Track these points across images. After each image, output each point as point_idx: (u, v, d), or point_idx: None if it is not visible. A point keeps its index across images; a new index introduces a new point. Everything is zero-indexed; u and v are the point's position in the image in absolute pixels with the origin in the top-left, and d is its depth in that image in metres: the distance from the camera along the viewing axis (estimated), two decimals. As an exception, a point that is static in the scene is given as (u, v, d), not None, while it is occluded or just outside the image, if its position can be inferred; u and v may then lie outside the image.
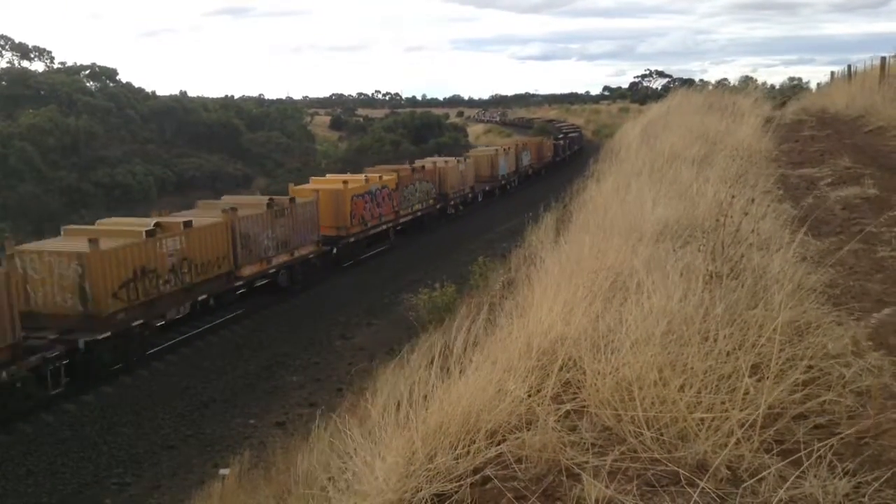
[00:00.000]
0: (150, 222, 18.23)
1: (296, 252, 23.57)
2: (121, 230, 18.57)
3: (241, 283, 21.24)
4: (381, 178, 30.01)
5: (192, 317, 19.93)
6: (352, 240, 27.23)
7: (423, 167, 34.32)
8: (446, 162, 37.20)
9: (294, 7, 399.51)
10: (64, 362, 15.55)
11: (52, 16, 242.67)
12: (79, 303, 16.47)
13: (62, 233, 18.98)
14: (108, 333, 16.48)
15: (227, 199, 24.25)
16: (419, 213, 32.94)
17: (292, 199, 24.18)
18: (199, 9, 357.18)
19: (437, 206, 34.69)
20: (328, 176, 32.18)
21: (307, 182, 29.31)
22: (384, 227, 29.64)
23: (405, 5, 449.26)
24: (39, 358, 14.98)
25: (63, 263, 16.49)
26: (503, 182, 41.72)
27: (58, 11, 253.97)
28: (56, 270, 16.52)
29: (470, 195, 38.28)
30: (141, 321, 17.52)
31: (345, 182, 27.93)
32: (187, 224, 19.34)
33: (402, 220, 31.33)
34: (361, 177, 29.80)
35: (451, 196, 36.06)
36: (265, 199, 23.78)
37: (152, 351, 18.31)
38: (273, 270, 22.57)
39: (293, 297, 23.91)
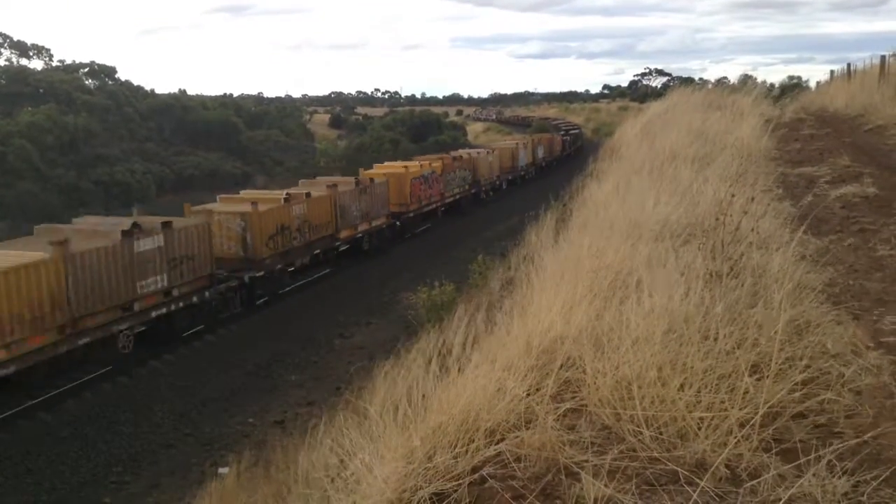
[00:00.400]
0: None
1: (373, 222, 28.84)
2: (263, 197, 24.17)
3: (339, 242, 26.72)
4: (430, 164, 34.64)
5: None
6: (411, 215, 31.97)
7: (462, 156, 38.94)
8: (478, 153, 41.59)
9: (293, 5, 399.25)
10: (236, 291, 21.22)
11: (51, 14, 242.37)
12: (241, 249, 21.90)
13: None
14: (262, 273, 22.07)
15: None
16: (458, 197, 37.12)
17: (371, 180, 29.28)
18: (198, 7, 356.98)
19: (472, 192, 38.82)
20: (386, 163, 35.81)
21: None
22: (433, 206, 34.40)
23: (404, 4, 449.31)
24: (225, 286, 20.57)
25: (231, 220, 21.79)
26: (522, 172, 46.05)
27: (56, 9, 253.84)
28: (225, 225, 21.66)
29: (497, 182, 42.32)
30: (280, 265, 23.21)
31: (405, 167, 32.65)
32: (308, 195, 24.81)
33: (446, 202, 35.73)
34: (416, 163, 34.26)
35: (483, 183, 39.94)
36: (350, 179, 28.71)
37: (283, 291, 23.72)
38: (359, 235, 27.97)
39: (292, 297, 23.94)
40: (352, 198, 27.02)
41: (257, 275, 21.83)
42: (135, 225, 17.69)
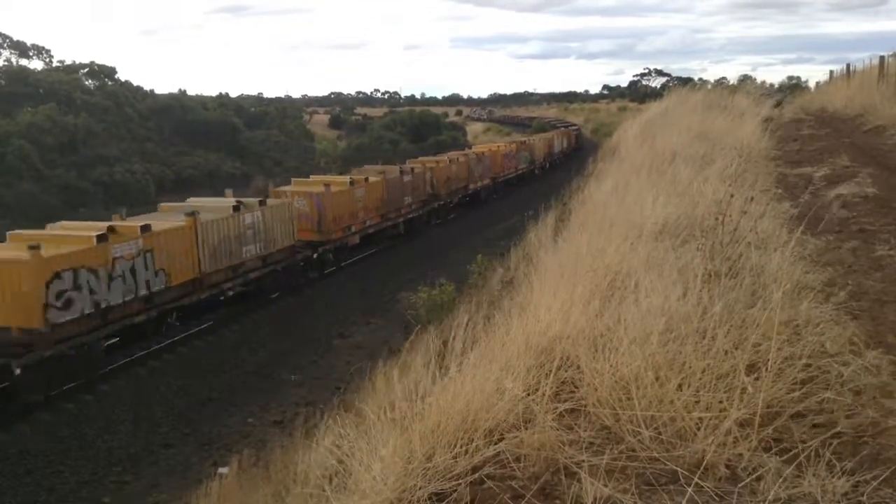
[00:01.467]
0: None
1: (479, 183, 40.23)
2: (333, 181, 27.78)
3: (389, 223, 30.35)
4: (508, 145, 48.39)
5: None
6: (500, 180, 44.20)
7: (524, 142, 52.59)
8: (533, 140, 55.22)
9: (293, 5, 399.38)
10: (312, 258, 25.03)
11: (51, 14, 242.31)
12: (316, 227, 25.28)
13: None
14: (331, 246, 25.77)
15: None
16: (523, 171, 48.64)
17: (482, 153, 42.08)
18: (199, 7, 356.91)
19: (530, 168, 50.56)
20: (480, 146, 49.66)
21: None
22: (511, 176, 46.14)
23: (404, 3, 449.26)
24: (303, 256, 24.34)
25: (305, 201, 25.19)
26: (556, 157, 58.37)
27: (56, 10, 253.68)
28: (299, 205, 24.77)
29: (543, 162, 53.95)
30: (346, 241, 26.96)
31: (498, 147, 46.75)
32: (366, 180, 28.70)
33: (518, 173, 47.76)
34: (502, 144, 49.02)
35: (536, 162, 52.03)
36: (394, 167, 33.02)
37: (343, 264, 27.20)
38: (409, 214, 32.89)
39: (291, 297, 23.94)
40: (398, 185, 31.27)
41: (327, 247, 25.87)
42: (238, 202, 21.62)
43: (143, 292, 17.46)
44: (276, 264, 22.64)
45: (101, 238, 16.51)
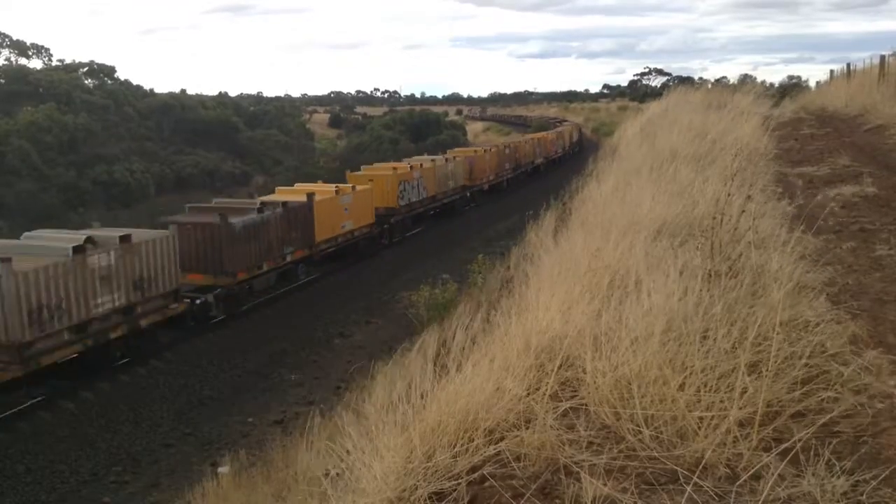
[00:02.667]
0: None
1: (531, 164, 49.98)
2: (397, 165, 33.27)
3: (468, 192, 38.32)
4: (547, 135, 59.08)
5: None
6: (550, 158, 54.74)
7: (560, 132, 63.33)
8: (563, 129, 65.98)
9: (293, 5, 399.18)
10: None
11: (51, 13, 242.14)
12: (396, 201, 30.77)
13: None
14: (402, 217, 31.47)
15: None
16: (559, 155, 58.15)
17: (508, 144, 48.86)
18: (198, 7, 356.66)
19: (564, 153, 59.95)
20: (530, 135, 61.41)
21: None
22: (554, 157, 56.19)
23: (405, 3, 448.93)
24: (379, 228, 29.38)
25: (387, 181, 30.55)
26: (569, 148, 64.44)
27: (56, 9, 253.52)
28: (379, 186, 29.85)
29: (559, 152, 60.01)
30: (408, 216, 32.22)
31: (546, 135, 58.66)
32: (449, 159, 37.29)
33: (557, 155, 57.34)
34: (546, 133, 60.56)
35: (567, 149, 61.47)
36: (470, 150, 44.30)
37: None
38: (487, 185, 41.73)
39: (291, 296, 23.93)
40: (482, 160, 40.64)
41: (399, 218, 30.94)
42: (337, 188, 26.77)
43: None
44: (361, 233, 26.62)
45: None
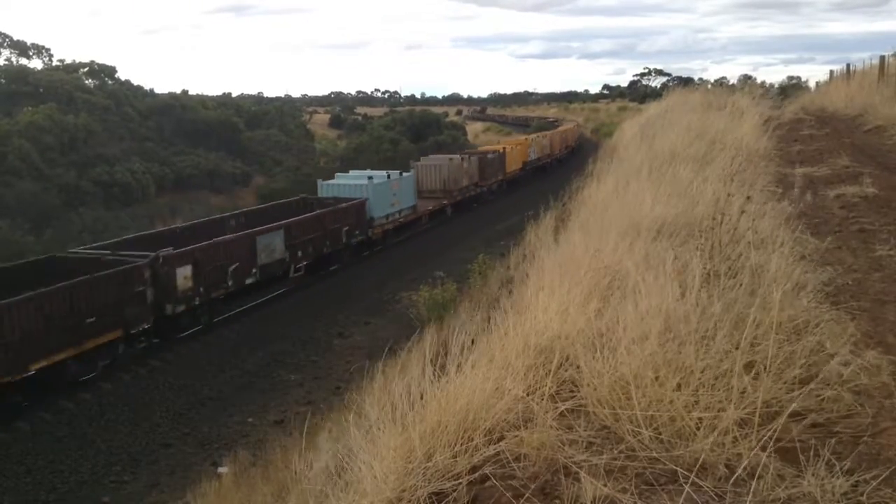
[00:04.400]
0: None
1: (555, 153, 55.20)
2: (475, 151, 46.10)
3: (549, 161, 51.77)
4: (570, 127, 70.10)
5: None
6: (565, 151, 59.82)
7: (568, 128, 68.70)
8: (567, 129, 69.56)
9: (294, 5, 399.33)
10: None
11: (52, 14, 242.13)
12: (475, 177, 38.90)
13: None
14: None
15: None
16: (573, 147, 63.83)
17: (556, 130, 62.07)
18: (199, 7, 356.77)
19: (572, 147, 64.41)
20: (561, 128, 68.64)
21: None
22: (567, 150, 60.88)
23: (406, 3, 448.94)
24: (477, 191, 38.75)
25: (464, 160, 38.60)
26: (575, 144, 69.44)
27: (57, 9, 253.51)
28: (465, 165, 38.17)
29: (572, 145, 65.65)
30: (480, 190, 39.93)
31: (567, 128, 67.05)
32: (537, 138, 52.02)
33: (568, 150, 61.38)
34: (567, 126, 69.86)
35: (571, 144, 65.13)
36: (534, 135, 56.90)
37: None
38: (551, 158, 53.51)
39: (290, 297, 23.94)
40: (549, 139, 55.40)
41: (471, 194, 38.25)
42: (461, 153, 39.37)
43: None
44: (473, 189, 38.76)
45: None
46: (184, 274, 18.65)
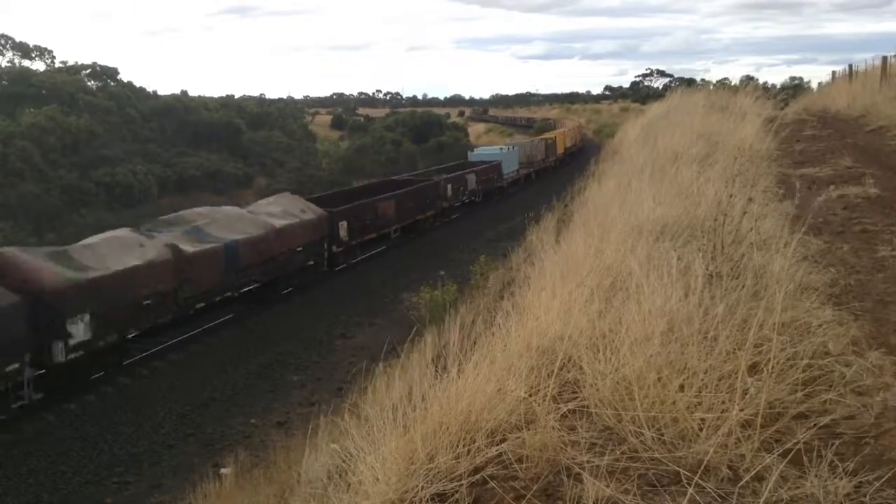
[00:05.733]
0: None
1: (577, 143, 64.94)
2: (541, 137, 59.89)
3: (575, 148, 63.03)
4: (580, 123, 79.08)
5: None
6: (581, 143, 69.07)
7: (575, 126, 74.31)
8: (580, 125, 79.13)
9: (297, 7, 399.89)
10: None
11: (54, 16, 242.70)
12: (566, 145, 58.87)
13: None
14: (543, 167, 52.22)
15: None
16: (580, 145, 68.32)
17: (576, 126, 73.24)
18: (202, 9, 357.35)
19: (580, 146, 69.42)
20: (571, 124, 75.87)
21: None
22: (581, 144, 68.53)
23: (409, 5, 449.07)
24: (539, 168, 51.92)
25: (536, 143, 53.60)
26: (582, 143, 74.71)
27: (59, 11, 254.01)
28: (539, 146, 52.91)
29: (580, 143, 71.19)
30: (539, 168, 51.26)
31: (578, 125, 76.25)
32: (569, 129, 66.45)
33: (581, 145, 68.58)
34: (579, 122, 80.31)
35: (580, 143, 70.73)
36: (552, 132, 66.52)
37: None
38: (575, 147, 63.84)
39: (292, 298, 23.96)
40: (571, 133, 65.00)
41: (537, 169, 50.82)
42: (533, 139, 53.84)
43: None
44: (536, 166, 51.87)
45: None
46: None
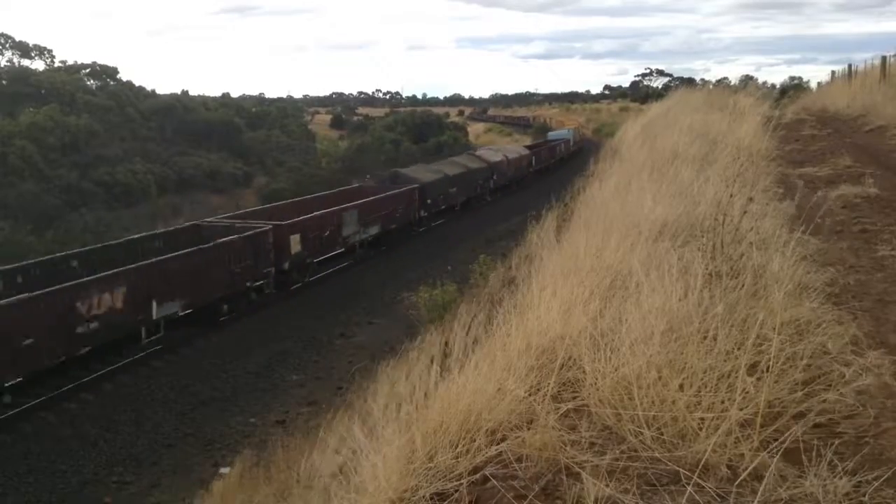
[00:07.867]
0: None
1: (585, 138, 73.92)
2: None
3: (583, 143, 69.15)
4: (577, 126, 79.48)
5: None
6: (580, 143, 70.34)
7: (579, 127, 79.81)
8: (578, 126, 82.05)
9: (297, 6, 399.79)
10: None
11: (54, 15, 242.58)
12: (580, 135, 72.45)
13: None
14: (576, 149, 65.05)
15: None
16: (582, 146, 68.74)
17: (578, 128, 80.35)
18: (203, 8, 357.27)
19: (580, 146, 72.04)
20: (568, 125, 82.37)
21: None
22: (582, 144, 69.68)
23: (410, 4, 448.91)
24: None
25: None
26: (582, 142, 78.49)
27: (59, 11, 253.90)
28: (575, 135, 69.99)
29: (581, 142, 74.49)
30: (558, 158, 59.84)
31: (580, 124, 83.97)
32: (577, 128, 76.89)
33: (582, 143, 70.49)
34: (579, 123, 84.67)
35: (581, 142, 73.98)
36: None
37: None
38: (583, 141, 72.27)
39: (292, 298, 23.96)
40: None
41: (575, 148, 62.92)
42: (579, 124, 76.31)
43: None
44: (564, 153, 59.91)
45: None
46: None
